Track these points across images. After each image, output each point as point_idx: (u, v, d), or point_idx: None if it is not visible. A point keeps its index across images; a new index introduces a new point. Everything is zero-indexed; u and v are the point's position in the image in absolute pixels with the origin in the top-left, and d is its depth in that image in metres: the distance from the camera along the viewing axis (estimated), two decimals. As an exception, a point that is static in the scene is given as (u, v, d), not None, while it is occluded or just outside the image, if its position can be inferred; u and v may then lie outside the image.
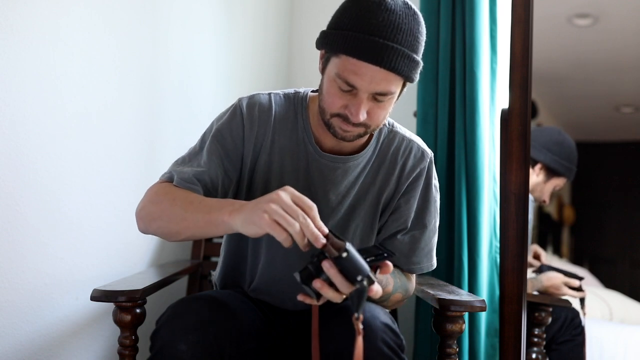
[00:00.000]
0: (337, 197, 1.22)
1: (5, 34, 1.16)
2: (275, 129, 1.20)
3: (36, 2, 1.23)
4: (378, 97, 1.07)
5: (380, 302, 1.18)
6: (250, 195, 1.22)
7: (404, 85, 1.11)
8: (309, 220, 0.91)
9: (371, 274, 0.90)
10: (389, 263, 0.97)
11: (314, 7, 2.47)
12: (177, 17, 1.75)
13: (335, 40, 1.06)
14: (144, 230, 1.12)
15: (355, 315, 0.86)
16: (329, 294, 0.91)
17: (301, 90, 1.26)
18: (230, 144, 1.18)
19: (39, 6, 1.24)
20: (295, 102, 1.23)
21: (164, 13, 1.68)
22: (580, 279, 2.08)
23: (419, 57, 1.08)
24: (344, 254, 0.89)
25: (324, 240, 0.90)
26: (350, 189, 1.23)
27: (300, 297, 0.95)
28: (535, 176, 2.15)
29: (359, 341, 0.85)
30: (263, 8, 2.30)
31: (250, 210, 0.94)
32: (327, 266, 0.90)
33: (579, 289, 2.06)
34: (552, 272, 2.09)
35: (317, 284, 0.90)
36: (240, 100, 1.21)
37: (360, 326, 0.86)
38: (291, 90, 1.26)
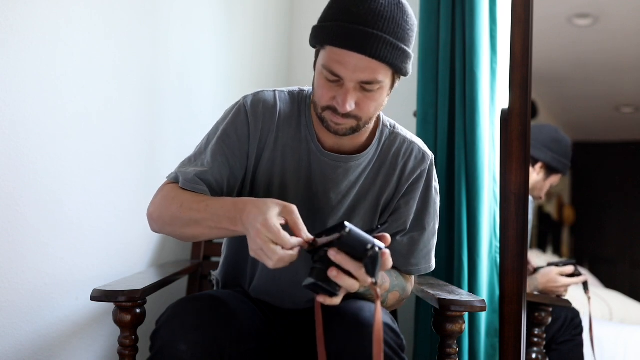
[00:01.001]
0: (337, 197, 1.22)
1: (5, 34, 1.16)
2: (279, 126, 1.21)
3: (36, 2, 1.23)
4: (365, 86, 1.07)
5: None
6: (253, 192, 1.23)
7: (394, 77, 1.11)
8: (277, 250, 0.93)
9: (377, 242, 0.91)
10: (386, 234, 0.99)
11: (314, 7, 2.46)
12: (177, 17, 1.75)
13: (321, 32, 1.08)
14: (158, 231, 1.17)
15: (373, 280, 0.89)
16: (345, 282, 0.91)
17: (305, 88, 1.27)
18: (235, 142, 1.18)
19: (39, 6, 1.24)
20: (299, 100, 1.24)
21: (164, 13, 1.68)
22: (573, 263, 2.07)
23: (405, 47, 1.07)
24: (347, 230, 0.89)
25: (300, 241, 0.95)
26: (350, 189, 1.23)
27: (320, 299, 0.95)
28: (536, 175, 2.16)
29: (378, 305, 0.88)
30: (263, 8, 2.30)
31: (245, 233, 0.99)
32: (334, 254, 0.90)
33: (575, 274, 2.05)
34: (545, 268, 2.09)
35: (333, 272, 0.91)
36: (245, 97, 1.22)
37: (379, 291, 0.89)
38: (296, 88, 1.27)
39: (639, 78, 4.28)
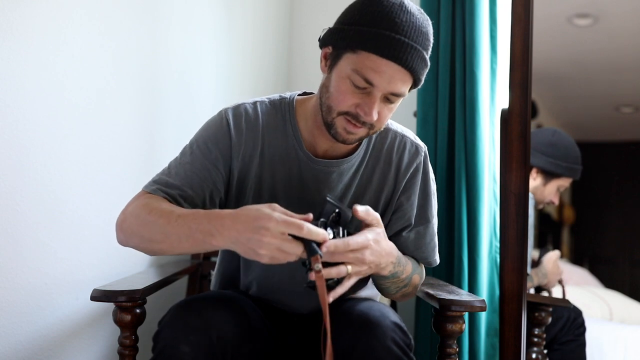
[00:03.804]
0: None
1: (6, 34, 1.16)
2: (264, 138, 1.18)
3: (37, 2, 1.23)
4: (390, 97, 1.06)
5: (403, 286, 1.18)
6: (239, 206, 1.21)
7: (410, 89, 1.10)
8: (293, 257, 0.91)
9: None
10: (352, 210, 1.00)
11: (314, 7, 2.47)
12: (177, 18, 1.75)
13: (353, 36, 1.04)
14: (124, 243, 1.10)
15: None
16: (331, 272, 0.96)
17: (287, 95, 1.23)
18: (216, 154, 1.15)
19: (40, 6, 1.24)
20: (282, 109, 1.21)
21: (164, 13, 1.68)
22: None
23: (429, 62, 1.09)
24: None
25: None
26: (347, 191, 1.22)
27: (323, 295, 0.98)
28: (533, 180, 2.14)
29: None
30: (263, 8, 2.30)
31: (242, 245, 0.92)
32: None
33: None
34: (547, 255, 2.10)
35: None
36: (225, 110, 1.19)
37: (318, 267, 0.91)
38: (276, 96, 1.23)
39: (639, 78, 4.28)
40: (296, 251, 0.91)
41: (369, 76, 1.03)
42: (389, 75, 1.03)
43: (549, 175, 2.14)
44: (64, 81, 1.32)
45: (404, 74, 1.04)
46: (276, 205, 0.94)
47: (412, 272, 1.19)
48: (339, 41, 1.06)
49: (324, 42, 1.11)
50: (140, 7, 1.57)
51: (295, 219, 0.91)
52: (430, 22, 1.09)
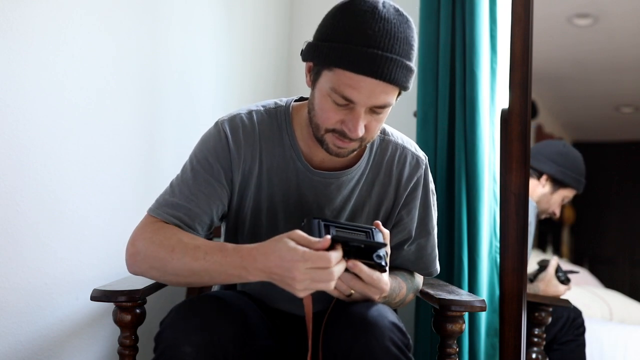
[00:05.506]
0: (332, 213, 1.20)
1: (6, 34, 1.16)
2: (261, 149, 1.17)
3: (37, 2, 1.23)
4: (376, 109, 1.03)
5: (397, 305, 1.20)
6: (239, 219, 1.20)
7: (398, 94, 1.08)
8: (331, 284, 0.95)
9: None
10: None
11: (314, 8, 2.46)
12: (177, 18, 1.75)
13: (328, 53, 1.01)
14: (139, 274, 1.10)
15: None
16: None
17: (282, 102, 1.21)
18: (217, 169, 1.14)
19: (40, 7, 1.24)
20: (278, 117, 1.19)
21: (164, 13, 1.68)
22: (569, 280, 2.08)
23: (413, 65, 1.04)
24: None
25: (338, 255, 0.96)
26: (345, 203, 1.21)
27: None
28: (542, 187, 2.15)
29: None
30: (263, 8, 2.30)
31: (279, 281, 0.96)
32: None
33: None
34: (547, 276, 2.06)
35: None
36: (221, 122, 1.16)
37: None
38: (271, 103, 1.21)
39: (639, 78, 4.28)
40: (330, 279, 0.94)
41: (347, 93, 1.00)
42: (368, 90, 0.99)
43: (557, 184, 2.17)
44: (64, 81, 1.32)
45: (385, 86, 1.00)
46: (295, 232, 0.96)
47: (406, 294, 1.20)
48: (316, 58, 1.05)
49: (305, 57, 1.09)
50: (140, 7, 1.57)
51: (320, 252, 0.93)
52: (410, 23, 1.03)
